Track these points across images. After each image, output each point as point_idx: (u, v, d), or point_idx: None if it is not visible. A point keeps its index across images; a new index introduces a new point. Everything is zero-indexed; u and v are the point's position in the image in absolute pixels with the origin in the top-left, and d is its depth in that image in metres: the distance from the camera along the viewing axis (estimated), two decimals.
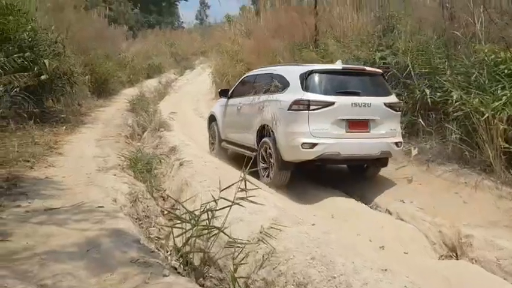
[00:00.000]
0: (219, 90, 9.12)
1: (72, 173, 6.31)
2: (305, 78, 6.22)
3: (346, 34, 10.33)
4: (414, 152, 6.67)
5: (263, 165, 6.76)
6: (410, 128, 7.48)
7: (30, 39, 10.00)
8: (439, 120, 7.06)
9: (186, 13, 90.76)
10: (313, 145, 5.94)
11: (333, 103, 5.96)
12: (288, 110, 6.13)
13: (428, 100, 7.19)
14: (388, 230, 5.20)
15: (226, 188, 3.64)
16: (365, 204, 6.33)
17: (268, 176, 6.67)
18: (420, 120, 7.21)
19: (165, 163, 8.13)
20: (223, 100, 8.62)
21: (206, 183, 6.16)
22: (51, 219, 4.31)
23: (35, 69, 9.69)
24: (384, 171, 7.16)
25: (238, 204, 3.59)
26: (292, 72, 6.57)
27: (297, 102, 6.06)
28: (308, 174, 7.53)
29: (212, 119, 9.11)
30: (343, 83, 6.29)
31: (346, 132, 6.04)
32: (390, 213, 5.94)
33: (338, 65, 6.81)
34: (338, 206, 5.94)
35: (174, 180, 7.08)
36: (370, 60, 8.04)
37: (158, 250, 4.58)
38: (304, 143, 5.95)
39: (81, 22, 17.44)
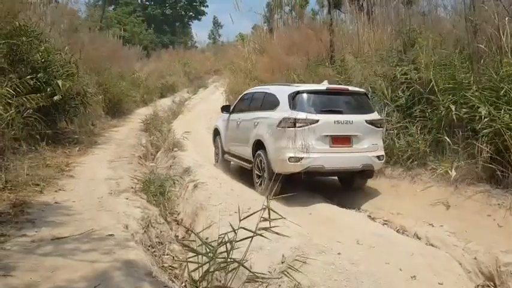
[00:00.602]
0: (222, 106, 9.66)
1: (82, 197, 6.04)
2: (293, 97, 6.72)
3: (362, 50, 10.01)
4: (453, 173, 6.20)
5: (258, 175, 7.20)
6: (435, 146, 7.07)
7: (43, 60, 9.88)
8: (466, 138, 6.64)
9: (200, 33, 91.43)
10: (299, 159, 6.39)
11: (317, 121, 6.44)
12: (277, 126, 6.66)
13: (454, 116, 6.78)
14: (419, 257, 4.77)
15: (246, 217, 3.30)
16: (391, 227, 5.92)
17: (261, 185, 7.10)
18: (446, 137, 6.80)
19: (179, 184, 7.84)
20: (225, 115, 9.05)
21: (222, 207, 5.85)
22: (58, 249, 4.01)
23: (48, 90, 9.56)
24: (408, 192, 6.77)
25: (260, 235, 3.24)
26: (282, 92, 7.04)
27: (284, 120, 6.55)
28: (330, 194, 7.19)
29: (216, 132, 9.60)
30: (327, 102, 6.79)
31: (330, 147, 6.52)
32: (419, 238, 5.52)
33: (322, 86, 7.21)
34: (363, 231, 5.54)
35: (188, 203, 6.77)
36: (391, 76, 7.71)
37: (172, 281, 4.25)
38: (291, 157, 6.40)
39: (95, 42, 17.47)
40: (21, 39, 9.30)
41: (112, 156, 9.70)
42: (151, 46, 36.34)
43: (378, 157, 6.76)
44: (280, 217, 3.31)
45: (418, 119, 7.34)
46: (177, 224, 6.45)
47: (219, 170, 8.91)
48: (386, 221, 6.13)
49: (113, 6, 40.18)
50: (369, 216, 6.36)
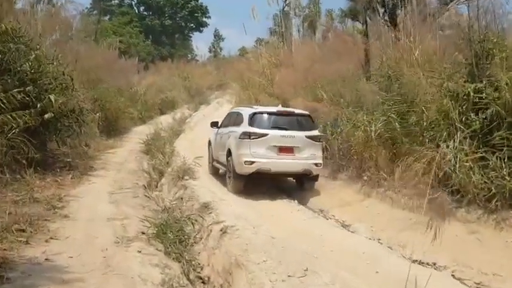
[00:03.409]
0: (211, 122, 11.53)
1: (82, 249, 4.81)
2: (251, 117, 8.98)
3: (409, 61, 8.94)
4: None
5: (229, 176, 9.21)
6: None
7: (33, 71, 8.75)
8: None
9: (200, 45, 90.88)
10: (252, 162, 8.55)
11: (266, 134, 8.66)
12: (239, 138, 8.84)
13: None
14: None
15: None
16: None
17: (230, 182, 9.13)
18: None
19: (198, 224, 6.63)
20: (216, 129, 11.03)
21: (268, 267, 4.64)
22: None
23: (38, 106, 8.42)
24: (496, 242, 5.55)
25: None
26: (246, 112, 9.33)
27: (243, 133, 8.79)
28: None
29: (209, 143, 11.63)
30: (276, 121, 9.01)
31: (277, 154, 8.67)
32: None
33: (274, 108, 9.73)
34: None
35: (216, 254, 5.52)
36: (462, 93, 6.57)
37: None
38: (246, 161, 8.56)
39: (90, 53, 16.50)
40: (7, 46, 8.18)
41: (112, 186, 8.63)
42: (149, 58, 35.46)
43: (316, 164, 8.81)
44: None
45: (500, 148, 6.15)
46: (203, 283, 5.20)
47: (245, 206, 7.75)
48: (478, 284, 4.90)
49: (108, 16, 39.32)
50: (453, 275, 5.13)
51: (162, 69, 31.75)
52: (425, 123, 7.48)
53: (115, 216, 6.40)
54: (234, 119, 9.97)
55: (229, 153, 9.19)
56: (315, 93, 11.42)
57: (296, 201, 8.57)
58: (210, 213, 6.99)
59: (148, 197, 8.37)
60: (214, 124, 11.21)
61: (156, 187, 10.41)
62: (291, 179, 9.72)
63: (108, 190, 8.22)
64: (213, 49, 46.87)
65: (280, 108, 9.92)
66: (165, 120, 20.78)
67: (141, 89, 23.29)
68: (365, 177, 8.54)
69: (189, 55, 44.04)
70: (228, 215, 6.75)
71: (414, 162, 7.40)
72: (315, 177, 9.06)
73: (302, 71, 12.46)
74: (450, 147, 6.53)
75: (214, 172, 10.78)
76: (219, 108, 24.59)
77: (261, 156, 8.54)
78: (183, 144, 15.35)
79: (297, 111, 9.52)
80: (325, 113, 9.95)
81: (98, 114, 12.82)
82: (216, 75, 33.98)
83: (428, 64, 8.49)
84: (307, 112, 9.51)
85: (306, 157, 8.72)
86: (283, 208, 8.04)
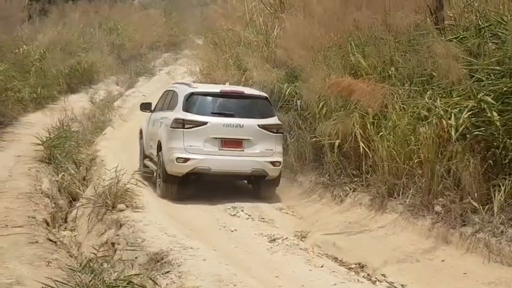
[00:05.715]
0: (141, 103, 14.19)
1: None
2: (187, 99, 11.46)
3: None
4: None
5: (158, 177, 11.79)
6: None
7: None
8: None
9: None
10: (186, 160, 10.94)
11: (205, 123, 11.07)
12: (170, 127, 11.26)
13: None
14: None
15: None
16: None
17: (160, 187, 11.75)
18: None
19: None
20: (150, 114, 13.60)
21: None
22: None
23: None
24: None
25: None
26: (182, 92, 11.82)
27: (175, 120, 11.17)
28: None
29: (141, 135, 14.28)
30: (219, 105, 11.66)
31: (219, 149, 11.14)
32: None
33: (217, 88, 12.42)
34: None
35: None
36: None
37: None
38: (178, 158, 10.94)
39: None
40: None
41: None
42: None
43: (273, 163, 11.23)
44: None
45: None
46: None
47: (228, 258, 7.82)
48: None
49: None
50: None
51: (70, 14, 32.49)
52: None
53: None
54: (168, 100, 12.59)
55: (159, 147, 11.76)
56: (348, 59, 11.74)
57: (314, 248, 8.67)
58: (168, 272, 6.98)
59: (55, 243, 8.43)
60: (146, 107, 13.85)
61: (65, 222, 11.12)
62: None
63: None
64: None
65: (225, 87, 12.56)
66: (78, 103, 21.73)
67: (36, 49, 24.01)
68: (438, 208, 8.57)
69: None
70: (201, 275, 6.72)
71: None
72: (274, 181, 11.72)
73: (325, 19, 12.64)
74: None
75: (148, 177, 12.89)
76: (170, 82, 24.91)
77: (198, 152, 11.07)
78: (111, 147, 16.08)
79: (248, 91, 12.38)
80: (368, 93, 9.85)
81: None
82: (165, 25, 35.14)
83: None
84: (263, 93, 12.28)
85: (259, 153, 11.25)
86: (293, 262, 8.11)
